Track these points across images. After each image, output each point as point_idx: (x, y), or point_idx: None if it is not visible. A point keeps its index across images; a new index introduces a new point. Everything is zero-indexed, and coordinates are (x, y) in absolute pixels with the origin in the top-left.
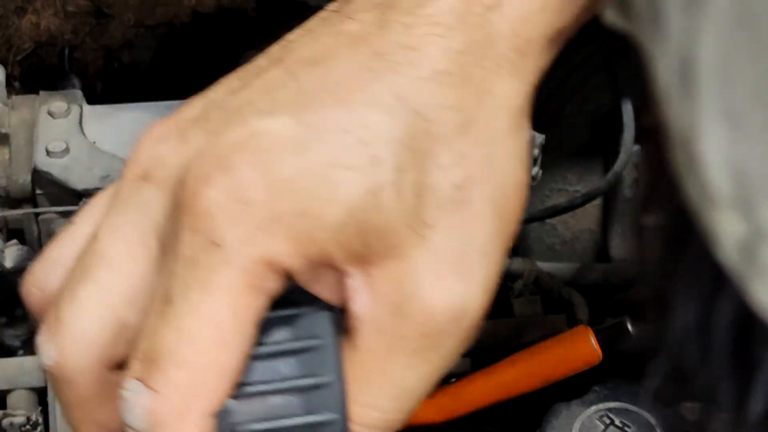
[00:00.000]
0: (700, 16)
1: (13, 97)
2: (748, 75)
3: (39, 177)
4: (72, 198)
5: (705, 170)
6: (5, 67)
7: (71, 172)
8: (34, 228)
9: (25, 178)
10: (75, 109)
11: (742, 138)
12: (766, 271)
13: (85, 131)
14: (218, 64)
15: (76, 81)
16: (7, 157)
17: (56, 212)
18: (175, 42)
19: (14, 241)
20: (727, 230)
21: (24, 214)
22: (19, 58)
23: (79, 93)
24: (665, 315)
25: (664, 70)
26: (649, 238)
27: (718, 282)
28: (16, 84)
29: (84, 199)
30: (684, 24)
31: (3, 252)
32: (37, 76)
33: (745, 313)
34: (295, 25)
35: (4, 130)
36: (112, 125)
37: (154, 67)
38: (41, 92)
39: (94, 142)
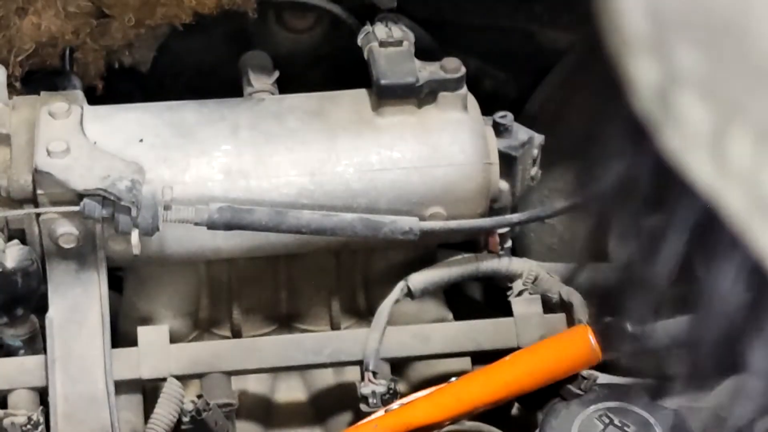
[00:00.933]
0: None
1: (14, 97)
2: None
3: (40, 177)
4: (73, 198)
5: (621, 12)
6: (6, 67)
7: (72, 172)
8: (35, 228)
9: (26, 179)
10: (76, 109)
11: None
12: (678, 117)
13: (86, 132)
14: (218, 64)
15: (77, 81)
16: (8, 157)
17: (57, 212)
18: (175, 42)
19: (15, 241)
20: (643, 77)
21: (25, 214)
22: (20, 58)
23: (79, 93)
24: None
25: None
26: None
27: (638, 137)
28: (17, 84)
29: (85, 199)
30: None
31: (4, 252)
32: (38, 76)
33: (663, 164)
34: (295, 25)
35: (5, 131)
36: (113, 126)
37: (154, 67)
38: (42, 93)
39: (95, 143)
